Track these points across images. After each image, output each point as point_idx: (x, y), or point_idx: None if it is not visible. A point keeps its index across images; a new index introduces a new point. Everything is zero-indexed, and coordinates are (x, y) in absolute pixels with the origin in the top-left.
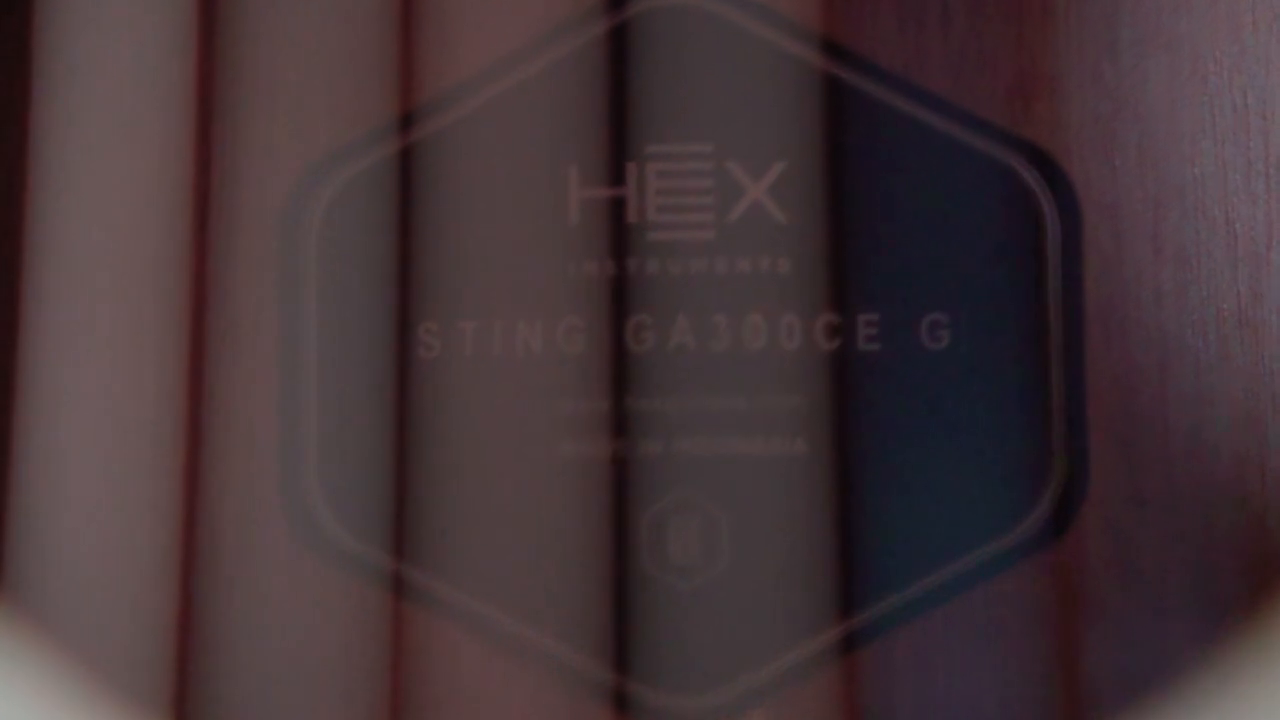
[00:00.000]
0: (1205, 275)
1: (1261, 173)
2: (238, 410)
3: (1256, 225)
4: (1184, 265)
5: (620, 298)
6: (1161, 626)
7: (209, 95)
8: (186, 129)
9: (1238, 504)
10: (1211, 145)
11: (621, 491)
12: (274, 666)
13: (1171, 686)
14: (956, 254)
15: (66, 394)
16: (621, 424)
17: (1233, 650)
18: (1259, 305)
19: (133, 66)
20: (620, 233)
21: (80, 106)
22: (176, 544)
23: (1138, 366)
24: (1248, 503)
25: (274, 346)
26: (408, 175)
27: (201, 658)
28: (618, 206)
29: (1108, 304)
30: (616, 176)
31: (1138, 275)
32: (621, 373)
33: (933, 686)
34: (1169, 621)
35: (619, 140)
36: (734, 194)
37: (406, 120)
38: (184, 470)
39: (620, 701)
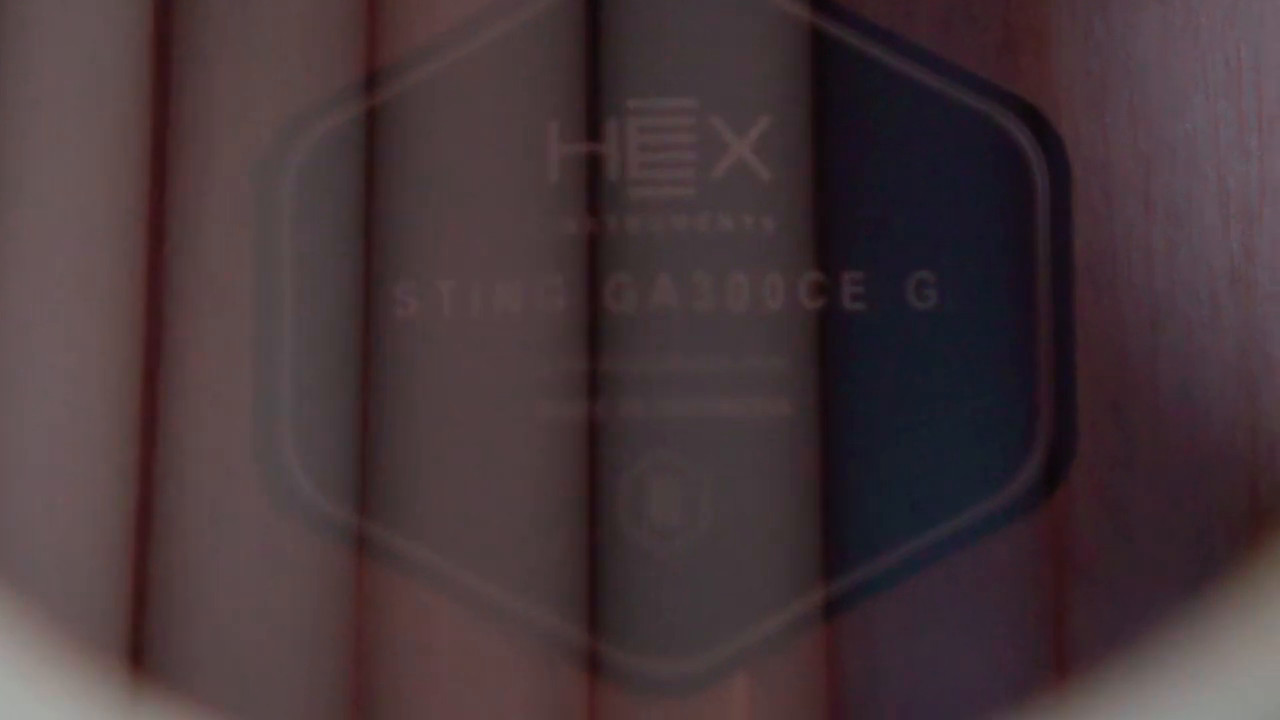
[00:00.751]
0: (1197, 232)
1: (1254, 128)
2: (211, 370)
3: (1249, 182)
4: (1175, 222)
5: (600, 256)
6: (1150, 587)
7: (176, 55)
8: (154, 87)
9: (1228, 463)
10: (1203, 100)
11: (601, 453)
12: (244, 627)
13: (1159, 647)
14: (944, 211)
15: (32, 353)
16: (601, 385)
17: (1221, 611)
18: (1251, 263)
19: (94, 27)
20: (601, 190)
21: (38, 70)
22: (144, 504)
23: (1128, 325)
24: (1238, 462)
25: (248, 307)
26: (383, 132)
27: (169, 617)
28: (598, 163)
29: (1097, 262)
30: (597, 132)
31: (1128, 232)
32: (601, 333)
33: (918, 650)
34: (1158, 582)
35: (599, 95)
36: (717, 150)
37: (382, 76)
38: (155, 430)
39: (596, 666)
